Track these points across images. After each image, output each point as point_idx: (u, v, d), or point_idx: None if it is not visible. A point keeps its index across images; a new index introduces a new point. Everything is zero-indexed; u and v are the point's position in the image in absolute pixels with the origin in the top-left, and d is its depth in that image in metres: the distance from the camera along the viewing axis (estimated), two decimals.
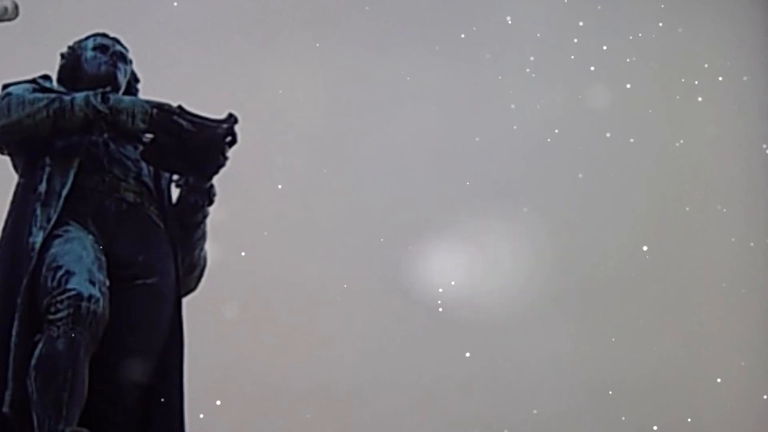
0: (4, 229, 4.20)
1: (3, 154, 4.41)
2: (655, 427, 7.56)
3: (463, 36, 7.94)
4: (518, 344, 7.54)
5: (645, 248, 7.91)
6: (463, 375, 7.43)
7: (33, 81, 4.35)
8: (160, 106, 4.18)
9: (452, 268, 7.60)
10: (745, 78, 8.34)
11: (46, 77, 4.47)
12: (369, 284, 7.40)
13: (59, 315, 3.83)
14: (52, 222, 4.07)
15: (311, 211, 7.40)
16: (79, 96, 4.18)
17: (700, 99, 8.19)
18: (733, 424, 7.70)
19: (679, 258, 7.95)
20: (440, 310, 7.51)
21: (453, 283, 7.57)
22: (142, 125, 4.17)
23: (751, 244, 8.17)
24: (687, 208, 8.07)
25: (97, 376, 3.90)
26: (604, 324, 7.70)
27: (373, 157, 7.67)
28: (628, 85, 8.05)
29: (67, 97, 4.18)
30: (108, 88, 4.27)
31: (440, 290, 7.53)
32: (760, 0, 8.58)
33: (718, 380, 7.76)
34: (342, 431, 7.16)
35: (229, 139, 4.25)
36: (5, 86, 4.32)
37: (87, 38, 4.63)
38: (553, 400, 7.52)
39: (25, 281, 3.97)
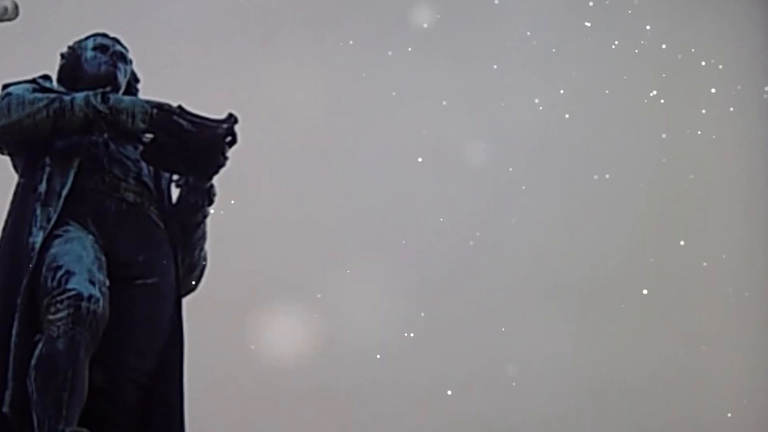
0: (4, 229, 4.20)
1: (3, 154, 4.41)
2: (655, 427, 7.56)
3: (463, 36, 7.94)
4: (518, 344, 7.54)
5: (645, 248, 7.91)
6: (463, 375, 7.43)
7: (33, 81, 4.35)
8: (160, 106, 4.18)
9: (452, 268, 7.59)
10: (744, 78, 8.34)
11: (46, 77, 4.47)
12: (369, 284, 7.40)
13: (59, 315, 3.83)
14: (52, 222, 4.07)
15: (311, 211, 7.40)
16: (79, 96, 4.18)
17: (698, 99, 8.19)
18: (733, 424, 7.71)
19: (680, 258, 7.95)
20: (440, 310, 7.51)
21: (451, 283, 7.57)
22: (142, 125, 4.17)
23: (752, 244, 8.17)
24: (687, 208, 8.07)
25: (97, 376, 3.90)
26: (604, 324, 7.70)
27: (373, 157, 7.67)
28: (628, 86, 8.04)
29: (67, 97, 4.18)
30: (108, 88, 4.27)
31: (439, 291, 7.53)
32: (760, 0, 8.58)
33: (720, 381, 7.76)
34: (342, 431, 7.16)
35: (229, 139, 4.25)
36: (5, 86, 4.32)
37: (87, 38, 4.64)
38: (553, 400, 7.52)
39: (25, 281, 3.97)
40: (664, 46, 8.17)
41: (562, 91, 7.94)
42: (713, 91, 8.21)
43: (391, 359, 7.38)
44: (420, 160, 7.71)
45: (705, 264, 7.99)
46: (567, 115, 7.90)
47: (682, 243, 7.99)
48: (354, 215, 7.55)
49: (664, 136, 8.09)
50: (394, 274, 7.46)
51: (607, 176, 7.98)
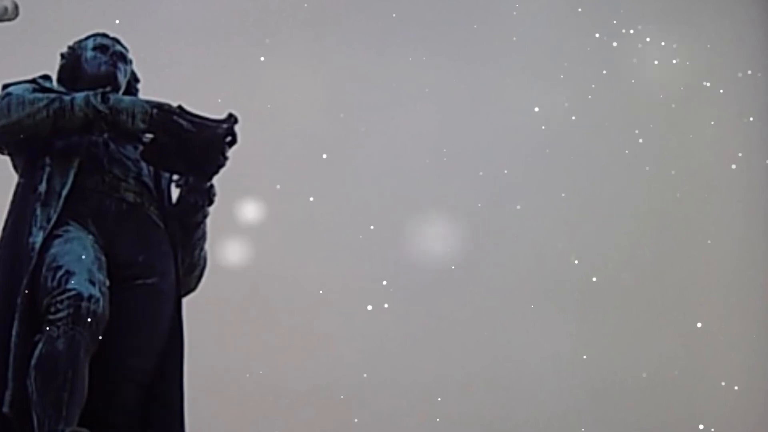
0: (4, 229, 4.20)
1: (3, 154, 4.42)
2: (655, 427, 7.56)
3: (463, 36, 7.94)
4: (518, 344, 7.54)
5: (645, 248, 7.91)
6: (463, 375, 7.43)
7: (33, 81, 4.36)
8: (160, 106, 4.18)
9: (450, 269, 7.59)
10: (744, 78, 8.34)
11: (46, 77, 4.47)
12: (369, 284, 7.40)
13: (59, 315, 3.83)
14: (52, 222, 4.07)
15: (311, 211, 7.40)
16: (79, 96, 4.18)
17: (698, 99, 8.19)
18: (734, 424, 7.70)
19: (679, 258, 7.95)
20: (440, 310, 7.51)
21: (451, 283, 7.57)
22: (142, 125, 4.17)
23: (752, 244, 8.17)
24: (687, 208, 8.07)
25: (97, 376, 3.90)
26: (604, 324, 7.70)
27: (373, 157, 7.67)
28: (628, 86, 8.04)
29: (67, 97, 4.18)
30: (108, 88, 4.27)
31: (439, 291, 7.53)
32: (760, 0, 8.58)
33: (720, 381, 7.76)
34: (342, 431, 7.16)
35: (229, 139, 4.26)
36: (5, 86, 4.32)
37: (87, 38, 4.64)
38: (553, 400, 7.52)
39: (25, 281, 3.97)
40: (663, 46, 8.17)
41: (562, 92, 7.94)
42: (713, 90, 8.21)
43: (390, 359, 7.38)
44: (419, 160, 7.71)
45: (705, 264, 7.98)
46: (567, 116, 7.89)
47: (682, 243, 7.98)
48: (354, 215, 7.55)
49: (664, 136, 8.09)
50: (394, 274, 7.46)
51: (607, 176, 7.98)
